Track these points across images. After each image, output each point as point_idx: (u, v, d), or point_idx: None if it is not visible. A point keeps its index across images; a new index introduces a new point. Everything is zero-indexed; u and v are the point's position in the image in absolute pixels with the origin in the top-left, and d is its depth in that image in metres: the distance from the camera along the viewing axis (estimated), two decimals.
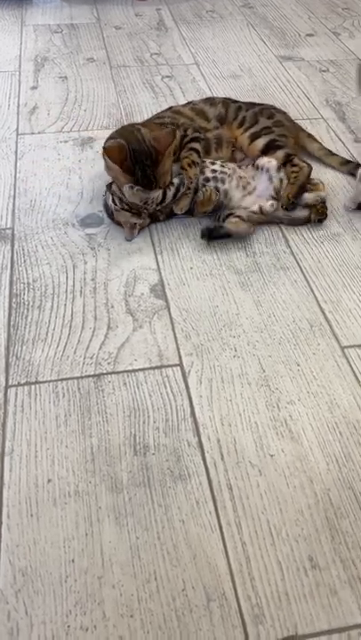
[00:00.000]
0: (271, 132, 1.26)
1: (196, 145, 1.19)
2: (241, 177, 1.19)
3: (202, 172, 1.18)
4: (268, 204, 1.15)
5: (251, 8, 2.19)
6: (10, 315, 1.01)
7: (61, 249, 1.14)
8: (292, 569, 0.71)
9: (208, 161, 1.20)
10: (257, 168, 1.21)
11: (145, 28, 2.02)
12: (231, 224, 1.13)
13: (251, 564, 0.71)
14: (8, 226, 1.19)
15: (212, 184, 1.17)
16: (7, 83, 1.68)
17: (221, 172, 1.18)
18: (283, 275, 1.10)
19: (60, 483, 0.78)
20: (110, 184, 1.15)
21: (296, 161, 1.21)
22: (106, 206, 1.18)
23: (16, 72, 1.73)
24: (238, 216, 1.15)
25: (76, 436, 0.83)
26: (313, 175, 1.24)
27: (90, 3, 2.19)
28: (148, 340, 0.97)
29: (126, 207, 1.13)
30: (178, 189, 1.14)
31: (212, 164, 1.20)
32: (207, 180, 1.17)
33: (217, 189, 1.17)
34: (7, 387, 0.89)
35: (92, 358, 0.94)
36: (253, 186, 1.19)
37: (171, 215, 1.19)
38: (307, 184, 1.20)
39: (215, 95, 1.63)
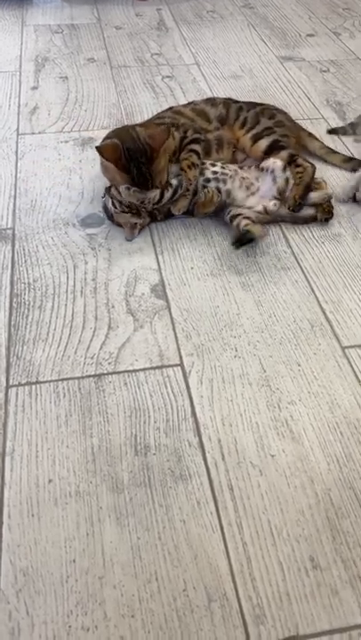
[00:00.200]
0: (273, 132, 1.26)
1: (195, 146, 1.19)
2: (244, 177, 1.19)
3: (202, 174, 1.18)
4: (272, 204, 1.16)
5: (251, 8, 2.19)
6: (11, 315, 1.01)
7: (62, 249, 1.14)
8: (294, 569, 0.71)
9: (208, 162, 1.20)
10: (262, 170, 1.20)
11: (145, 28, 2.02)
12: (256, 229, 1.13)
13: (252, 564, 0.71)
14: (9, 226, 1.19)
15: (213, 184, 1.17)
16: (8, 83, 1.68)
17: (222, 174, 1.18)
18: (283, 275, 1.10)
19: (61, 483, 0.78)
20: (109, 187, 1.15)
21: (300, 161, 1.21)
22: (105, 209, 1.18)
23: (17, 72, 1.73)
24: (248, 217, 1.14)
25: (77, 436, 0.83)
26: (315, 174, 1.24)
27: (90, 3, 2.19)
28: (149, 340, 0.97)
29: (126, 209, 1.13)
30: (176, 191, 1.14)
31: (213, 165, 1.20)
32: (208, 180, 1.17)
33: (218, 190, 1.17)
34: (8, 387, 0.89)
35: (92, 358, 0.94)
36: (257, 187, 1.19)
37: (169, 215, 1.19)
38: (312, 184, 1.20)
39: (216, 95, 1.63)
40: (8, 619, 0.66)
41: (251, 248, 1.15)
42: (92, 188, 1.29)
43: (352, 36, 2.00)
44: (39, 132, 1.47)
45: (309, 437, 0.84)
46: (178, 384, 0.90)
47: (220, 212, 1.19)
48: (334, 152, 1.37)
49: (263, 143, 1.24)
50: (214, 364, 0.93)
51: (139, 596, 0.68)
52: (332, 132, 1.47)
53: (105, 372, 0.92)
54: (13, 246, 1.15)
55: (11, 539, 0.72)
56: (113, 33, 1.98)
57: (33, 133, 1.47)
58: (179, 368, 0.93)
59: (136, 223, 1.16)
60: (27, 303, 1.03)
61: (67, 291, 1.05)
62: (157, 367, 0.93)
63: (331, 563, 0.71)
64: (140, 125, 1.21)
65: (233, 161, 1.27)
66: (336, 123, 1.53)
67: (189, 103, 1.34)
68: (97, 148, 1.10)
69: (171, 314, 1.02)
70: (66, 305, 1.03)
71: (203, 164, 1.19)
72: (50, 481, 0.78)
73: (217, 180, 1.17)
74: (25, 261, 1.11)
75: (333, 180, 1.33)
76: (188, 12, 2.14)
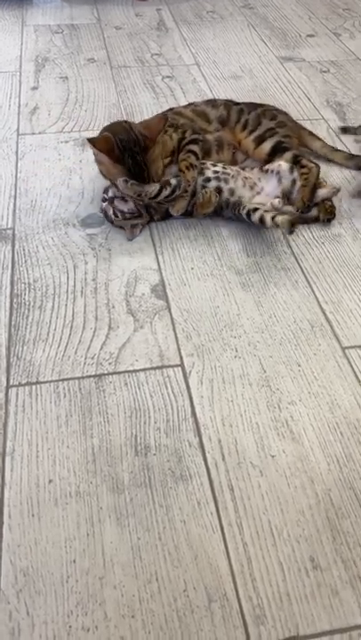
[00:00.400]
0: (275, 133, 1.26)
1: (194, 147, 1.19)
2: (246, 177, 1.19)
3: (202, 173, 1.18)
4: (276, 201, 1.16)
5: (251, 9, 2.19)
6: (11, 315, 1.01)
7: (62, 249, 1.14)
8: (294, 569, 0.71)
9: (209, 162, 1.20)
10: (266, 171, 1.21)
11: (145, 28, 2.02)
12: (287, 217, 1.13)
13: (252, 564, 0.71)
14: (9, 226, 1.19)
15: (213, 184, 1.17)
16: (8, 83, 1.68)
17: (224, 173, 1.18)
18: (284, 275, 1.10)
19: (62, 483, 0.78)
20: (112, 199, 1.15)
21: (304, 162, 1.21)
22: (106, 215, 1.18)
23: (17, 72, 1.73)
24: (268, 211, 1.15)
25: (77, 437, 0.83)
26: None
27: (90, 3, 2.19)
28: (149, 341, 0.97)
29: (128, 216, 1.14)
30: (174, 190, 1.14)
31: (214, 165, 1.20)
32: (208, 180, 1.17)
33: (220, 189, 1.17)
34: (8, 387, 0.89)
35: (93, 358, 0.94)
36: (261, 187, 1.19)
37: (167, 216, 1.19)
38: (317, 183, 1.20)
39: (216, 96, 1.63)
40: (8, 619, 0.66)
41: (251, 248, 1.15)
42: (93, 189, 1.29)
43: (352, 37, 2.00)
44: (39, 133, 1.47)
45: (310, 438, 0.84)
46: (178, 384, 0.90)
47: (219, 212, 1.19)
48: (337, 150, 1.37)
49: (267, 145, 1.24)
50: (214, 365, 0.93)
51: (139, 596, 0.68)
52: (344, 130, 1.47)
53: (105, 372, 0.92)
54: (13, 246, 1.15)
55: (11, 539, 0.72)
56: (113, 33, 1.98)
57: (33, 133, 1.47)
58: (179, 368, 0.93)
59: (137, 223, 1.16)
60: (27, 303, 1.03)
61: (67, 291, 1.05)
62: (158, 367, 0.93)
63: (331, 563, 0.71)
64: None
65: (233, 162, 1.26)
66: (336, 123, 1.53)
67: (190, 104, 1.34)
68: (89, 140, 1.10)
69: (171, 314, 1.02)
70: (66, 305, 1.03)
71: (203, 164, 1.19)
72: (50, 481, 0.78)
73: (218, 179, 1.17)
74: (25, 261, 1.11)
75: (337, 178, 1.33)
76: (188, 12, 2.14)
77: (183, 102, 1.55)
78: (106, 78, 1.72)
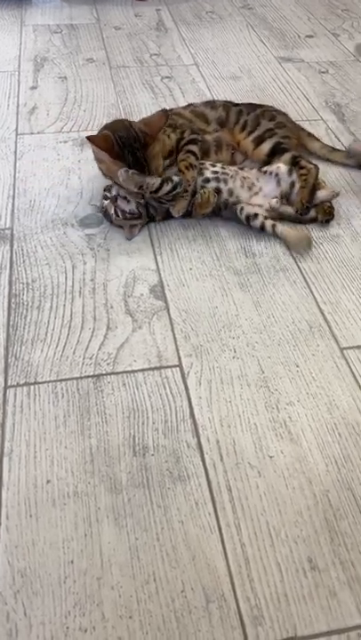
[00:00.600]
0: (275, 134, 1.26)
1: (193, 147, 1.19)
2: (245, 177, 1.20)
3: (201, 174, 1.18)
4: (274, 201, 1.17)
5: (250, 9, 2.19)
6: (9, 315, 1.01)
7: (60, 249, 1.14)
8: (292, 570, 0.71)
9: (208, 163, 1.20)
10: (264, 172, 1.21)
11: (144, 28, 2.02)
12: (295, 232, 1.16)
13: (250, 565, 0.71)
14: (7, 226, 1.19)
15: (213, 184, 1.17)
16: (6, 83, 1.68)
17: (223, 173, 1.18)
18: (282, 276, 1.10)
19: (60, 483, 0.78)
20: (116, 197, 1.14)
21: (303, 163, 1.21)
22: (106, 213, 1.17)
23: (15, 72, 1.73)
24: (267, 217, 1.17)
25: (76, 437, 0.83)
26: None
27: (89, 3, 2.19)
28: (148, 341, 0.97)
29: (128, 216, 1.14)
30: (175, 187, 1.14)
31: (213, 165, 1.20)
32: (207, 180, 1.17)
33: (219, 189, 1.17)
34: (6, 387, 0.89)
35: (91, 359, 0.94)
36: (259, 187, 1.19)
37: (167, 216, 1.19)
38: (316, 184, 1.20)
39: (215, 96, 1.63)
40: (6, 620, 0.66)
41: (249, 249, 1.15)
42: (91, 189, 1.29)
43: (351, 38, 2.00)
44: (38, 132, 1.47)
45: (308, 438, 0.84)
46: (176, 385, 0.90)
47: (219, 212, 1.19)
48: (336, 150, 1.37)
49: (266, 146, 1.24)
50: (213, 365, 0.93)
51: (137, 596, 0.68)
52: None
53: (103, 372, 0.92)
54: (12, 246, 1.14)
55: (9, 539, 0.72)
56: (112, 33, 1.98)
57: (32, 133, 1.47)
58: (177, 369, 0.93)
59: (136, 224, 1.16)
60: (25, 303, 1.03)
61: (65, 291, 1.05)
62: (156, 368, 0.93)
63: (329, 564, 0.71)
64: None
65: (232, 163, 1.27)
66: (335, 124, 1.53)
67: (189, 105, 1.34)
68: (88, 137, 1.10)
69: (169, 314, 1.02)
70: (64, 305, 1.03)
71: (202, 164, 1.19)
72: (48, 481, 0.78)
73: (217, 179, 1.17)
74: (23, 261, 1.11)
75: (336, 178, 1.33)
76: (188, 12, 2.14)
77: (182, 102, 1.55)
78: (105, 78, 1.72)
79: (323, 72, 1.78)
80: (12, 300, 1.03)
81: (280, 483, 0.79)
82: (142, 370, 0.92)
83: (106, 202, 1.16)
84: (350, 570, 0.71)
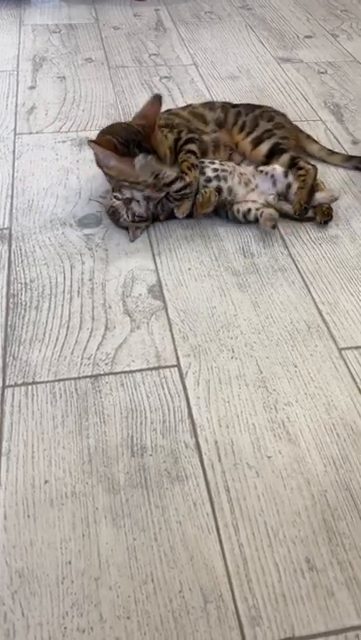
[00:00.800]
0: (273, 134, 1.26)
1: (192, 146, 1.19)
2: (242, 173, 1.20)
3: (203, 173, 1.18)
4: (271, 198, 1.18)
5: (249, 9, 2.19)
6: (7, 315, 1.00)
7: (59, 249, 1.14)
8: (290, 570, 0.71)
9: (207, 161, 1.21)
10: (260, 172, 1.21)
11: (143, 28, 2.02)
12: (272, 211, 1.16)
13: (248, 565, 0.71)
14: (5, 226, 1.19)
15: (214, 183, 1.17)
16: (5, 82, 1.67)
17: (222, 171, 1.18)
18: (281, 276, 1.10)
19: (57, 484, 0.78)
20: (130, 199, 1.13)
21: (302, 164, 1.21)
22: (113, 214, 1.15)
23: (14, 72, 1.73)
24: (258, 208, 1.17)
25: (73, 437, 0.83)
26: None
27: (88, 3, 2.19)
28: (146, 341, 0.97)
29: (137, 219, 1.14)
30: (186, 186, 1.13)
31: (212, 163, 1.20)
32: (209, 180, 1.17)
33: (220, 188, 1.17)
34: (4, 387, 0.89)
35: (89, 359, 0.94)
36: (255, 183, 1.20)
37: (170, 216, 1.19)
38: (315, 185, 1.20)
39: (213, 96, 1.63)
40: (3, 620, 0.66)
41: (248, 249, 1.15)
42: (90, 188, 1.29)
43: (350, 38, 2.00)
44: (36, 132, 1.47)
45: (306, 439, 0.84)
46: (175, 385, 0.90)
47: (220, 211, 1.19)
48: (334, 152, 1.37)
49: (264, 147, 1.24)
50: (211, 365, 0.93)
51: (134, 597, 0.68)
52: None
53: (101, 372, 0.92)
54: (10, 246, 1.14)
55: (6, 540, 0.72)
56: (111, 33, 1.98)
57: (30, 133, 1.47)
58: (175, 369, 0.93)
59: (141, 226, 1.16)
60: (23, 303, 1.03)
61: (63, 291, 1.05)
62: (154, 368, 0.93)
63: (327, 564, 0.71)
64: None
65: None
66: (334, 125, 1.53)
67: (187, 106, 1.34)
68: (94, 141, 1.09)
69: (168, 315, 1.02)
70: (62, 305, 1.03)
71: (202, 162, 1.19)
72: (46, 482, 0.78)
73: (218, 178, 1.18)
74: (22, 261, 1.11)
75: (334, 180, 1.33)
76: (186, 12, 2.14)
77: (181, 103, 1.55)
78: (103, 78, 1.72)
79: (322, 72, 1.78)
80: (11, 300, 1.03)
81: (278, 483, 0.79)
82: (140, 370, 0.92)
83: (117, 202, 1.14)
84: (348, 570, 0.71)
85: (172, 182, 1.11)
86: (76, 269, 1.10)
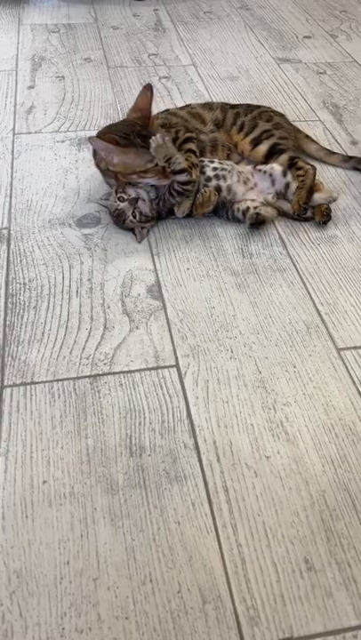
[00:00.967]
0: (272, 135, 1.26)
1: (191, 146, 1.19)
2: (240, 172, 1.20)
3: (202, 172, 1.17)
4: (270, 196, 1.18)
5: (248, 10, 2.19)
6: (6, 315, 1.00)
7: (58, 249, 1.14)
8: (288, 571, 0.71)
9: (206, 160, 1.20)
10: (259, 171, 1.21)
11: (142, 28, 2.02)
12: (266, 211, 1.17)
13: (246, 565, 0.71)
14: (4, 226, 1.19)
15: (214, 182, 1.17)
16: (4, 82, 1.67)
17: (222, 169, 1.18)
18: (279, 276, 1.10)
19: (56, 484, 0.78)
20: (136, 199, 1.12)
21: (300, 164, 1.21)
22: (119, 216, 1.14)
23: (13, 71, 1.73)
24: (256, 207, 1.17)
25: (72, 437, 0.83)
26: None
27: (87, 2, 2.19)
28: (145, 341, 0.97)
29: (143, 219, 1.14)
30: (189, 182, 1.13)
31: (211, 162, 1.20)
32: (209, 179, 1.17)
33: (219, 187, 1.17)
34: (2, 387, 0.89)
35: (88, 359, 0.94)
36: (253, 182, 1.20)
37: (169, 214, 1.19)
38: (314, 185, 1.20)
39: (212, 96, 1.63)
40: (1, 620, 0.66)
41: (247, 249, 1.15)
42: (88, 188, 1.29)
43: (349, 39, 2.00)
44: (35, 132, 1.47)
45: (304, 439, 0.84)
46: (173, 385, 0.90)
47: (220, 210, 1.19)
48: (333, 153, 1.37)
49: (263, 147, 1.24)
50: (210, 366, 0.93)
51: (133, 597, 0.68)
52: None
53: (100, 372, 0.92)
54: (9, 246, 1.14)
55: (4, 540, 0.72)
56: (110, 33, 1.98)
57: (29, 133, 1.46)
58: (174, 369, 0.93)
59: (146, 227, 1.16)
60: (22, 303, 1.03)
61: (62, 291, 1.05)
62: (153, 368, 0.93)
63: (325, 564, 0.71)
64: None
65: None
66: (332, 125, 1.53)
67: (186, 106, 1.34)
68: (90, 138, 1.08)
69: (167, 315, 1.02)
70: (61, 305, 1.02)
71: (201, 161, 1.19)
72: (44, 482, 0.78)
73: (217, 177, 1.18)
74: (20, 261, 1.11)
75: (332, 180, 1.33)
76: (186, 12, 2.14)
77: (180, 103, 1.55)
78: (102, 78, 1.72)
79: (321, 73, 1.78)
80: (9, 300, 1.03)
81: (277, 483, 0.79)
82: (139, 370, 0.92)
83: (122, 204, 1.13)
84: (346, 570, 0.71)
85: (180, 172, 1.11)
86: (74, 269, 1.10)
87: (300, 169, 1.20)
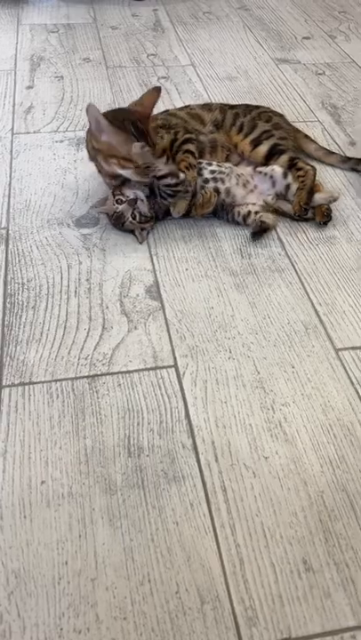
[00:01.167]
0: (272, 135, 1.26)
1: (190, 146, 1.19)
2: (239, 175, 1.20)
3: (200, 174, 1.17)
4: (269, 198, 1.18)
5: (247, 10, 2.19)
6: (4, 315, 1.00)
7: (56, 249, 1.14)
8: (286, 571, 0.71)
9: (205, 162, 1.20)
10: (259, 173, 1.21)
11: (141, 28, 2.02)
12: (269, 218, 1.17)
13: (244, 566, 0.71)
14: (3, 225, 1.19)
15: (211, 184, 1.17)
16: (3, 82, 1.67)
17: (220, 172, 1.18)
18: (278, 277, 1.10)
19: (54, 484, 0.78)
20: (135, 200, 1.12)
21: (301, 164, 1.21)
22: (118, 218, 1.13)
23: (12, 71, 1.73)
24: (258, 211, 1.17)
25: (70, 438, 0.83)
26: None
27: (86, 2, 2.18)
28: (143, 342, 0.97)
29: (143, 219, 1.13)
30: (178, 184, 1.13)
31: (209, 164, 1.20)
32: (206, 181, 1.17)
33: (217, 190, 1.17)
34: (1, 387, 0.89)
35: (86, 359, 0.94)
36: (253, 184, 1.20)
37: (166, 215, 1.19)
38: (314, 186, 1.20)
39: (211, 96, 1.63)
40: None
41: (245, 250, 1.16)
42: (87, 188, 1.29)
43: (348, 40, 2.00)
44: (34, 132, 1.47)
45: (303, 439, 0.84)
46: (172, 385, 0.90)
47: (219, 212, 1.19)
48: (332, 153, 1.37)
49: (263, 148, 1.24)
50: (208, 366, 0.93)
51: (131, 598, 0.68)
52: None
53: (98, 372, 0.92)
54: (7, 246, 1.14)
55: (3, 540, 0.72)
56: (109, 33, 1.98)
57: (28, 133, 1.46)
58: (173, 369, 0.93)
59: (146, 227, 1.16)
60: (20, 303, 1.03)
61: (61, 291, 1.05)
62: (151, 368, 0.93)
63: (323, 565, 0.71)
64: None
65: None
66: (331, 126, 1.53)
67: (185, 107, 1.34)
68: (88, 105, 1.08)
69: (165, 315, 1.02)
70: (60, 305, 1.02)
71: (199, 163, 1.19)
72: (42, 482, 0.78)
73: (215, 179, 1.17)
74: (19, 261, 1.11)
75: (331, 180, 1.33)
76: (185, 12, 2.14)
77: (178, 103, 1.55)
78: (101, 78, 1.72)
79: (319, 74, 1.78)
80: (8, 300, 1.03)
81: (275, 484, 0.79)
82: (138, 370, 0.92)
83: (121, 206, 1.12)
84: (345, 571, 0.71)
85: (164, 177, 1.11)
86: (73, 269, 1.10)
87: (300, 169, 1.20)
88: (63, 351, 0.95)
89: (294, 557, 0.72)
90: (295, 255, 1.15)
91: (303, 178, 1.19)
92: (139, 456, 0.81)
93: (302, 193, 1.18)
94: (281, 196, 1.21)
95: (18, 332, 0.97)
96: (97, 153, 1.14)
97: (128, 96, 1.63)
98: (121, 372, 0.92)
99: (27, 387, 0.89)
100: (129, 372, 0.92)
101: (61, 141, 1.43)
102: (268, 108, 1.38)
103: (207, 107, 1.32)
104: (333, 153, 1.37)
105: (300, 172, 1.20)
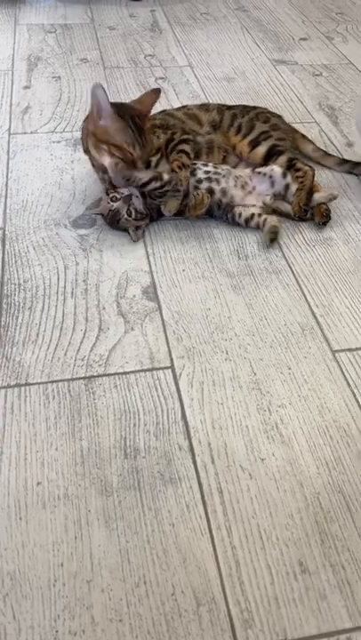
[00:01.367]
0: (270, 136, 1.26)
1: (185, 147, 1.19)
2: (238, 176, 1.20)
3: (194, 174, 1.17)
4: (268, 198, 1.18)
5: (245, 11, 2.19)
6: (0, 316, 1.00)
7: (53, 250, 1.14)
8: (282, 573, 0.71)
9: (200, 163, 1.20)
10: (258, 173, 1.21)
11: (139, 29, 2.02)
12: (275, 221, 1.17)
13: (240, 568, 0.71)
14: None
15: (205, 185, 1.17)
16: (0, 82, 1.67)
17: (215, 173, 1.18)
18: (275, 278, 1.10)
19: (50, 486, 0.77)
20: (130, 196, 1.12)
21: (299, 165, 1.21)
22: (113, 216, 1.13)
23: (9, 71, 1.72)
24: (261, 214, 1.18)
25: (66, 439, 0.83)
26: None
27: (84, 3, 2.18)
28: (140, 343, 0.97)
29: (138, 216, 1.13)
30: (164, 185, 1.12)
31: (205, 165, 1.20)
32: (200, 181, 1.17)
33: (212, 190, 1.17)
34: None
35: (82, 360, 0.93)
36: (252, 186, 1.20)
37: (159, 215, 1.19)
38: (313, 187, 1.21)
39: (209, 97, 1.63)
40: None
41: (242, 251, 1.16)
42: (84, 189, 1.29)
43: (345, 41, 2.01)
44: (31, 132, 1.46)
45: (299, 441, 0.84)
46: (168, 387, 0.90)
47: (216, 212, 1.19)
48: (329, 155, 1.37)
49: (261, 149, 1.24)
50: (205, 367, 0.93)
51: (127, 600, 0.68)
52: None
53: (95, 374, 0.92)
54: (4, 247, 1.14)
55: None
56: (106, 33, 1.98)
57: (25, 133, 1.46)
58: (169, 370, 0.93)
59: (141, 225, 1.16)
60: (17, 304, 1.02)
61: (57, 292, 1.05)
62: (148, 370, 0.92)
63: (319, 567, 0.71)
64: None
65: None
66: (328, 127, 1.53)
67: (182, 107, 1.34)
68: (95, 84, 1.09)
69: (162, 316, 1.02)
70: (56, 306, 1.02)
71: (194, 164, 1.19)
72: (38, 484, 0.78)
73: (209, 179, 1.17)
74: (15, 262, 1.11)
75: (329, 180, 1.33)
76: (182, 13, 2.14)
77: (176, 104, 1.55)
78: (98, 79, 1.72)
79: (317, 75, 1.78)
80: (4, 301, 1.03)
81: (271, 485, 0.79)
82: (134, 371, 0.92)
83: (116, 203, 1.12)
84: (341, 573, 0.71)
85: (147, 183, 1.12)
86: (70, 270, 1.09)
87: (298, 170, 1.21)
88: (59, 352, 0.94)
89: (290, 559, 0.72)
90: (292, 257, 1.15)
91: (302, 179, 1.19)
92: (135, 457, 0.81)
93: (302, 194, 1.18)
94: (280, 197, 1.21)
95: (14, 333, 0.97)
96: (90, 137, 1.14)
97: (125, 96, 1.63)
98: (117, 374, 0.92)
99: (23, 388, 0.89)
100: (125, 373, 0.92)
101: (58, 142, 1.43)
102: (266, 109, 1.38)
103: (205, 107, 1.32)
104: (331, 155, 1.37)
105: (299, 173, 1.20)
